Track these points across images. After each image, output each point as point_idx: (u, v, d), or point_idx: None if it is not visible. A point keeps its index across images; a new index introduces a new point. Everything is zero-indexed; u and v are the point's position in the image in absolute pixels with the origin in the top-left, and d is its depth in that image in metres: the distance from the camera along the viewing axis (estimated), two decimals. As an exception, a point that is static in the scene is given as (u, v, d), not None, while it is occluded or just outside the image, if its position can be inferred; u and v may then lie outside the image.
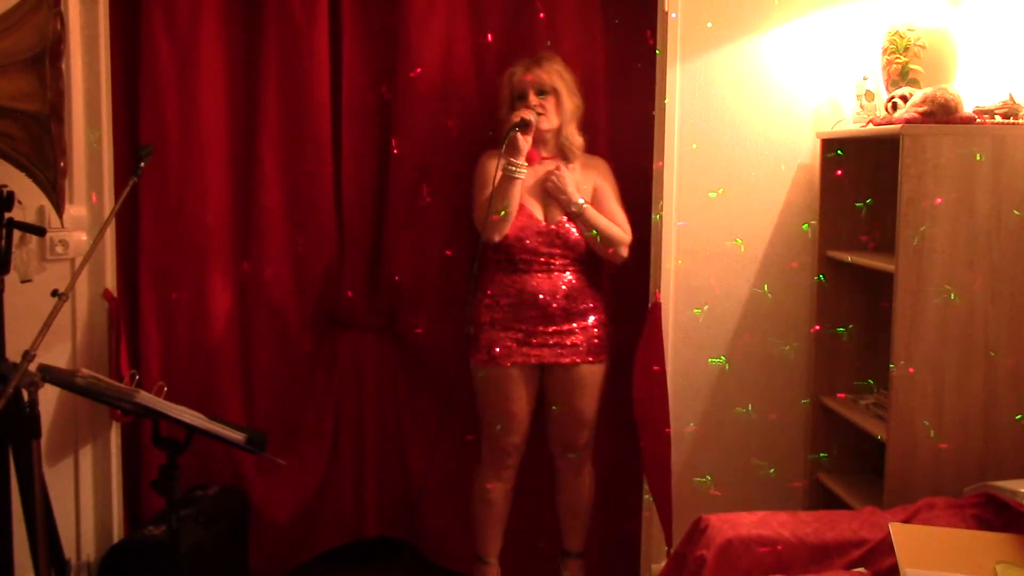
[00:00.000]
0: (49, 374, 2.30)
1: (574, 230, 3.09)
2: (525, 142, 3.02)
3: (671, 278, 3.17)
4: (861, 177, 3.08)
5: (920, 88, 2.79)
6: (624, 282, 3.33)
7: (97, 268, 3.12)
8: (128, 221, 3.27)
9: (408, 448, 3.49)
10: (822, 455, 3.15)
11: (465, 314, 3.15)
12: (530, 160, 3.08)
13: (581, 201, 3.08)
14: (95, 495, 3.18)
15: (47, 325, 2.17)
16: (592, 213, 3.09)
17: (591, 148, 3.23)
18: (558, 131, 3.12)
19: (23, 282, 2.62)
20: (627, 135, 3.31)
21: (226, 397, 3.37)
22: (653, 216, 3.17)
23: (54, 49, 2.31)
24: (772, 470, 3.22)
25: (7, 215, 2.43)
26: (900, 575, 2.15)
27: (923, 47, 2.90)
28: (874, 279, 3.01)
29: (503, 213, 3.01)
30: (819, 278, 3.11)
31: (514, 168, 3.01)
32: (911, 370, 2.63)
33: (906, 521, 2.37)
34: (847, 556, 2.30)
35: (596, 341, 3.13)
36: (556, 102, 3.08)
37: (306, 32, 3.27)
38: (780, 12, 3.13)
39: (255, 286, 3.38)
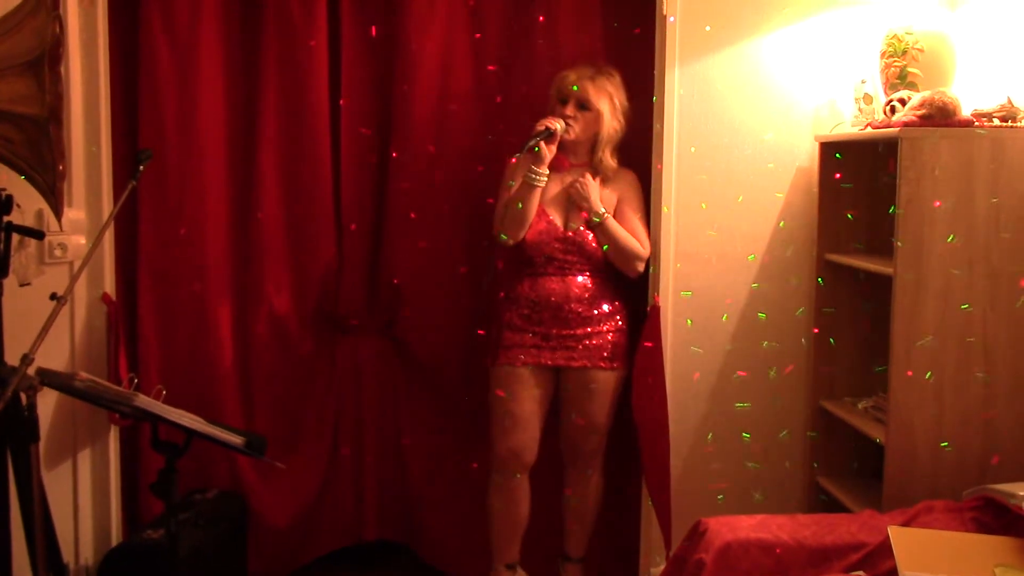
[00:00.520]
0: (48, 378, 2.29)
1: (591, 238, 3.08)
2: (548, 151, 3.00)
3: (670, 281, 3.17)
4: (859, 180, 3.09)
5: (918, 91, 2.79)
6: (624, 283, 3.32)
7: (96, 271, 3.12)
8: (127, 224, 3.27)
9: (407, 451, 3.49)
10: (816, 463, 3.15)
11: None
12: (559, 166, 3.08)
13: (603, 211, 3.06)
14: (94, 499, 3.17)
15: (46, 329, 2.17)
16: (611, 225, 3.07)
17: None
18: (591, 142, 3.11)
19: (22, 285, 2.62)
20: (626, 138, 3.30)
21: (225, 400, 3.37)
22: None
23: (53, 52, 2.31)
24: (770, 472, 3.23)
25: (6, 219, 2.42)
26: (899, 578, 2.15)
27: (921, 50, 2.90)
28: (873, 282, 3.01)
29: (518, 217, 3.00)
30: (818, 281, 3.12)
31: (535, 176, 3.00)
32: (909, 373, 2.63)
33: (905, 524, 2.36)
34: (846, 559, 2.30)
35: (611, 348, 3.11)
36: (595, 119, 3.06)
37: (305, 35, 3.27)
38: (778, 16, 3.13)
39: (254, 289, 3.38)
